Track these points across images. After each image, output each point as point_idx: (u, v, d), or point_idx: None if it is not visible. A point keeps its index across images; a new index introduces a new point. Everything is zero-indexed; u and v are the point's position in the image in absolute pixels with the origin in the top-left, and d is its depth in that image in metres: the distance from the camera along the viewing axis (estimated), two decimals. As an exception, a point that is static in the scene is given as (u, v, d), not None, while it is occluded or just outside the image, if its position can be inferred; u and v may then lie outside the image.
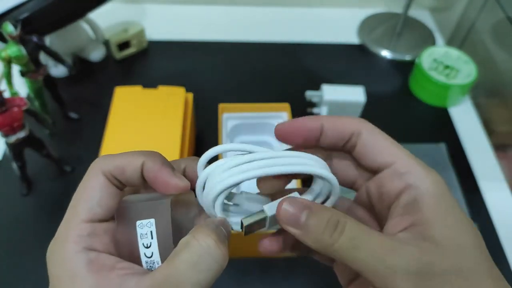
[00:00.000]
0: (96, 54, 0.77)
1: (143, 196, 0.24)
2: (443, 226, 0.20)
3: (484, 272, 0.20)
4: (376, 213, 0.25)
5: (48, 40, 0.70)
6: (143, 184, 0.23)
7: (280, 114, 0.61)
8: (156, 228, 0.22)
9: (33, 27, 0.60)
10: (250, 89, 0.75)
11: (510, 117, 0.75)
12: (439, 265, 0.19)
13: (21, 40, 0.54)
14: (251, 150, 0.23)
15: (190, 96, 0.60)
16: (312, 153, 0.24)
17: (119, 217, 0.22)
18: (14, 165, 0.57)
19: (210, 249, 0.20)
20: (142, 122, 0.54)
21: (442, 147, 0.67)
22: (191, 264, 0.20)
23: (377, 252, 0.20)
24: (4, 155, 0.63)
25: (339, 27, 0.88)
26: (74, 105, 0.69)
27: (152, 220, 0.22)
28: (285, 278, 0.52)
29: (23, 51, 0.54)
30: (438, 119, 0.73)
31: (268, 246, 0.25)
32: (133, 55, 0.79)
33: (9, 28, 0.53)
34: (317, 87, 0.69)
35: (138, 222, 0.22)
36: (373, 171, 0.24)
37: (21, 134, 0.52)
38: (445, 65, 0.73)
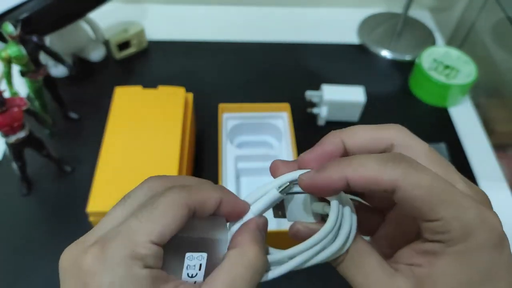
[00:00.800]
0: (96, 54, 0.77)
1: (194, 224, 0.24)
2: None
3: None
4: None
5: (48, 40, 0.69)
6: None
7: (280, 114, 0.61)
8: (206, 261, 0.22)
9: (33, 27, 0.60)
10: (250, 89, 0.75)
11: (510, 117, 0.75)
12: None
13: (21, 40, 0.54)
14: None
15: (190, 96, 0.60)
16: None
17: (169, 243, 0.22)
18: (14, 165, 0.57)
19: (251, 263, 0.21)
20: (142, 122, 0.54)
21: (442, 147, 0.67)
22: (243, 280, 0.20)
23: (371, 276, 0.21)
24: (4, 155, 0.63)
25: (339, 27, 0.88)
26: (74, 105, 0.69)
27: (205, 254, 0.22)
28: (285, 278, 0.52)
29: (23, 51, 0.54)
30: (438, 119, 0.73)
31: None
32: (133, 55, 0.79)
33: (9, 28, 0.53)
34: (317, 87, 0.69)
35: (187, 254, 0.22)
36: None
37: (21, 134, 0.52)
38: (445, 65, 0.73)
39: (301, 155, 0.24)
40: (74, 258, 0.21)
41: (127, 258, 0.19)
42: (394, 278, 0.21)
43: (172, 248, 0.22)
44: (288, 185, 0.24)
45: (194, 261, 0.22)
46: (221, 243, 0.23)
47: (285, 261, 0.23)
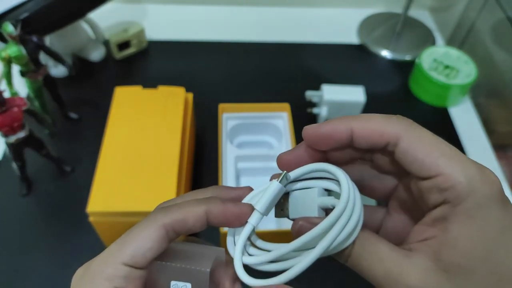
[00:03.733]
0: (96, 54, 0.77)
1: (184, 251, 0.24)
2: (463, 255, 0.19)
3: None
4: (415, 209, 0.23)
5: (48, 40, 0.70)
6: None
7: (280, 114, 0.61)
8: None
9: (33, 27, 0.60)
10: (250, 89, 0.75)
11: (510, 117, 0.75)
12: None
13: (21, 40, 0.54)
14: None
15: (190, 96, 0.60)
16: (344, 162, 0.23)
17: (155, 272, 0.23)
18: (14, 165, 0.57)
19: None
20: (142, 122, 0.54)
21: (442, 147, 0.67)
22: None
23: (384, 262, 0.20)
24: (4, 155, 0.63)
25: (339, 27, 0.88)
26: (74, 105, 0.69)
27: (189, 285, 0.23)
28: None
29: (23, 51, 0.54)
30: (438, 119, 0.73)
31: None
32: (133, 55, 0.79)
33: (9, 28, 0.53)
34: (317, 87, 0.69)
35: (173, 282, 0.23)
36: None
37: (21, 134, 0.52)
38: (445, 65, 0.73)
39: (311, 131, 0.22)
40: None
41: (98, 278, 0.21)
42: (410, 257, 0.20)
43: (160, 275, 0.23)
44: (286, 173, 0.23)
45: None
46: (205, 275, 0.23)
47: (294, 255, 0.22)
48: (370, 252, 0.21)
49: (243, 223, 0.23)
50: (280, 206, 0.25)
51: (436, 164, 0.19)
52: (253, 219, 0.23)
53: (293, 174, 0.23)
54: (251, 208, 0.23)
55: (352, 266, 0.22)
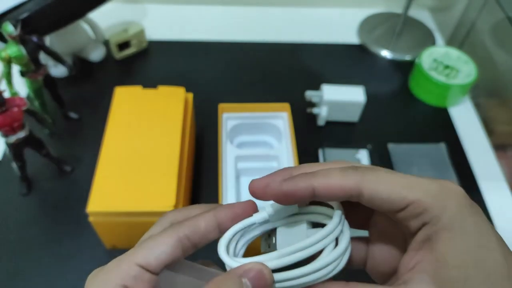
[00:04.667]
0: (96, 54, 0.77)
1: (197, 268, 0.25)
2: (454, 267, 0.20)
3: None
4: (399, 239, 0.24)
5: (48, 40, 0.70)
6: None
7: (280, 114, 0.61)
8: None
9: (33, 27, 0.60)
10: (250, 89, 0.75)
11: (510, 117, 0.75)
12: None
13: (21, 40, 0.54)
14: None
15: (190, 96, 0.60)
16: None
17: (165, 282, 0.24)
18: (14, 165, 0.57)
19: None
20: (142, 122, 0.54)
21: (442, 147, 0.67)
22: None
23: None
24: (4, 155, 0.63)
25: (339, 27, 0.88)
26: (74, 105, 0.69)
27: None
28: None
29: (23, 51, 0.54)
30: (438, 119, 0.73)
31: None
32: (133, 55, 0.79)
33: (9, 28, 0.53)
34: (317, 87, 0.69)
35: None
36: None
37: (21, 134, 0.52)
38: (445, 65, 0.73)
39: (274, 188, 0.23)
40: None
41: (111, 274, 0.22)
42: None
43: (171, 283, 0.24)
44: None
45: None
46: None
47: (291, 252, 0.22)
48: None
49: (250, 214, 0.24)
50: (267, 241, 0.25)
51: (402, 197, 0.21)
52: (257, 216, 0.24)
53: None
54: (255, 206, 0.24)
55: None
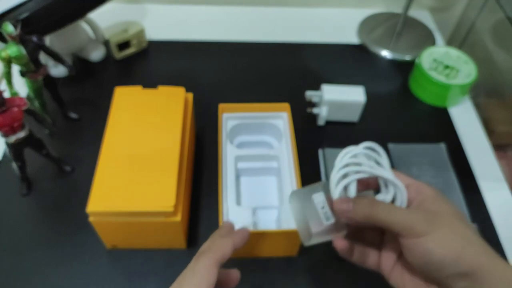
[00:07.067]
0: (96, 54, 0.77)
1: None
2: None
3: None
4: None
5: (48, 40, 0.70)
6: None
7: (280, 114, 0.61)
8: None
9: (33, 27, 0.60)
10: (250, 89, 0.75)
11: (510, 117, 0.75)
12: None
13: (21, 40, 0.54)
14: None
15: (190, 96, 0.60)
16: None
17: (295, 198, 0.37)
18: (14, 165, 0.57)
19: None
20: (142, 122, 0.54)
21: (442, 147, 0.67)
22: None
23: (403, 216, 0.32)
24: (4, 155, 0.63)
25: (339, 27, 0.88)
26: (74, 105, 0.69)
27: (322, 193, 0.36)
28: (285, 278, 0.52)
29: (23, 51, 0.54)
30: (438, 119, 0.73)
31: (339, 245, 0.35)
32: (133, 55, 0.79)
33: (9, 28, 0.53)
34: (317, 87, 0.69)
35: (314, 195, 0.36)
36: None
37: (21, 134, 0.52)
38: (445, 65, 0.73)
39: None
40: None
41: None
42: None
43: (302, 197, 0.36)
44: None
45: (319, 198, 0.36)
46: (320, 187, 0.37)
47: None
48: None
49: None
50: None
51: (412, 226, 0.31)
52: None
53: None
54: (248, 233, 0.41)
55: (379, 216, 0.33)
